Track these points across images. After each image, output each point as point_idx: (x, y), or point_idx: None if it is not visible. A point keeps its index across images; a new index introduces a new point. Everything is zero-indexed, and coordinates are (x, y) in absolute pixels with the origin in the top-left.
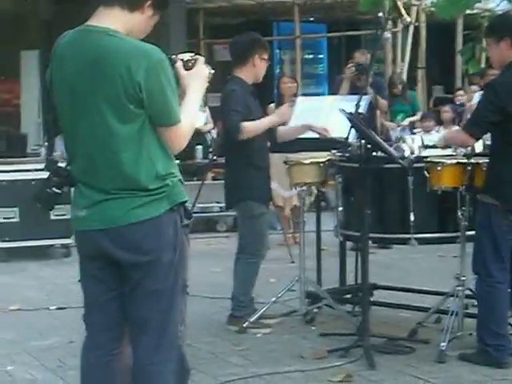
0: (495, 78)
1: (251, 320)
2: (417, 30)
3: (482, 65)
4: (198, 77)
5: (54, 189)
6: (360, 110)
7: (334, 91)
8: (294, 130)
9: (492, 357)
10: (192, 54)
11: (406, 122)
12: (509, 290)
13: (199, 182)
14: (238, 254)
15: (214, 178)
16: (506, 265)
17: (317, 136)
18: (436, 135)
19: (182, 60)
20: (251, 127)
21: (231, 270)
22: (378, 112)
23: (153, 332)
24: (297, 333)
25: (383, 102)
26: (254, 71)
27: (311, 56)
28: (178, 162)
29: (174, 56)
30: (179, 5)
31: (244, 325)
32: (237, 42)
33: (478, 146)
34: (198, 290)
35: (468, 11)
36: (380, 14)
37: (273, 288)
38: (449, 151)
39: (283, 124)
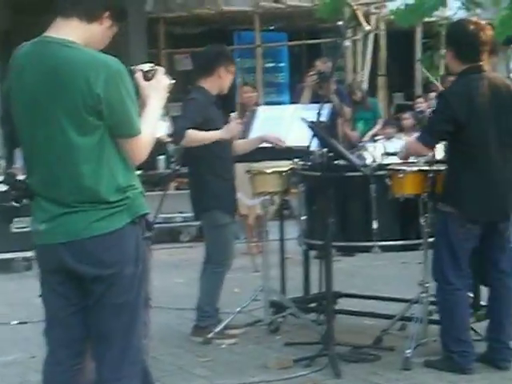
0: (448, 88)
1: (216, 331)
2: (376, 37)
3: (441, 72)
4: (158, 87)
5: (12, 202)
6: (321, 119)
7: (295, 100)
8: (249, 143)
9: (456, 363)
10: (151, 65)
11: (368, 136)
12: (470, 295)
13: (162, 193)
14: (204, 264)
15: (176, 188)
16: (464, 272)
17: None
18: (397, 142)
19: (141, 71)
20: (194, 136)
21: (194, 281)
22: (341, 120)
23: (116, 346)
24: (262, 343)
25: (347, 110)
26: (219, 83)
27: (272, 65)
28: (139, 172)
29: (133, 67)
30: (139, 14)
31: (208, 336)
32: (203, 53)
33: (440, 153)
34: (162, 301)
35: (426, 19)
36: (340, 23)
37: (237, 298)
38: (410, 158)
39: (243, 137)
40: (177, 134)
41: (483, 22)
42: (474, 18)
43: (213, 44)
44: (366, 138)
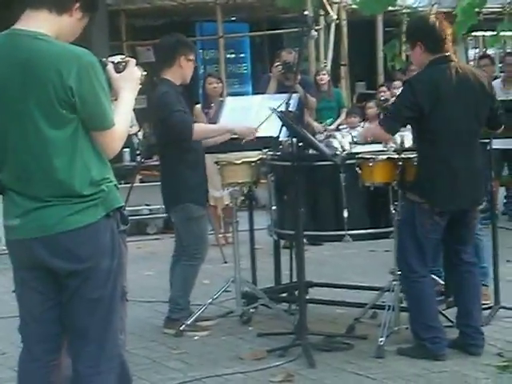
0: (414, 75)
1: (188, 323)
2: (338, 27)
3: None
4: (131, 79)
5: None
6: (290, 108)
7: (260, 90)
8: (219, 136)
9: (429, 350)
10: (123, 57)
11: (334, 125)
12: (441, 282)
13: (128, 185)
14: (175, 256)
15: (141, 181)
16: (427, 260)
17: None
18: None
19: (112, 63)
20: (204, 130)
21: (164, 273)
22: (306, 110)
23: (93, 341)
24: (234, 334)
25: (312, 100)
26: (180, 72)
27: (234, 55)
28: None
29: (104, 59)
30: (100, 7)
31: (181, 328)
32: (162, 44)
33: (408, 141)
34: (131, 294)
35: (388, 8)
36: (306, 12)
37: (207, 289)
38: (379, 147)
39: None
40: (185, 129)
41: (440, 15)
42: (434, 10)
43: (169, 34)
44: (332, 127)
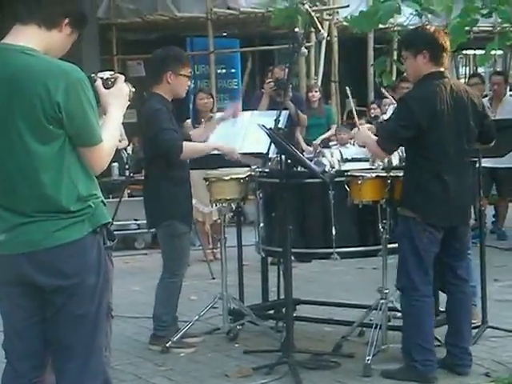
0: (408, 92)
1: (174, 339)
2: (329, 44)
3: (394, 78)
4: (119, 95)
5: None
6: (279, 125)
7: (252, 107)
8: (200, 149)
9: (419, 372)
10: (111, 72)
11: (318, 140)
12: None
13: (116, 200)
14: (162, 273)
15: (130, 195)
16: (430, 278)
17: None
18: (352, 148)
19: (101, 78)
20: (191, 148)
21: (151, 289)
22: (298, 127)
23: (77, 358)
24: (220, 351)
25: (303, 117)
26: (170, 88)
27: (225, 71)
28: None
29: (93, 74)
30: (91, 21)
31: (167, 345)
32: (151, 59)
33: (395, 159)
34: (118, 309)
35: (380, 26)
36: (297, 29)
37: (194, 306)
38: (367, 165)
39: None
40: (174, 147)
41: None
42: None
43: (161, 48)
44: (317, 141)
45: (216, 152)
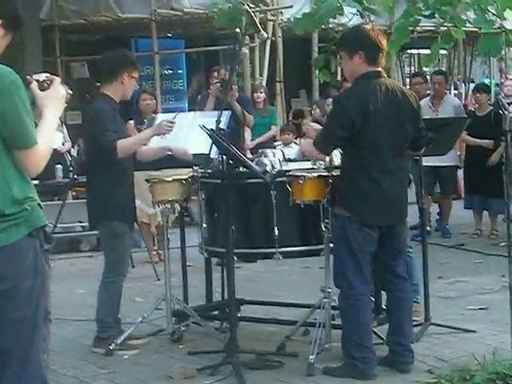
0: (342, 92)
1: (118, 342)
2: (274, 44)
3: (339, 77)
4: (55, 97)
5: None
6: (221, 126)
7: (198, 107)
8: (154, 151)
9: (358, 369)
10: (47, 75)
11: (255, 142)
12: (372, 299)
13: (60, 202)
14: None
15: (75, 197)
16: (366, 277)
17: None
18: (296, 148)
19: (37, 81)
20: (127, 145)
21: (96, 291)
22: (244, 128)
23: (15, 362)
24: (165, 352)
25: (249, 117)
26: (122, 89)
27: (170, 72)
28: (37, 182)
29: (28, 77)
30: (33, 22)
31: (110, 347)
32: (106, 59)
33: (337, 159)
34: (62, 312)
35: (323, 26)
36: (237, 30)
37: (139, 307)
38: (309, 164)
39: (144, 144)
40: (110, 150)
41: (376, 27)
42: (370, 25)
43: (115, 49)
44: (252, 144)
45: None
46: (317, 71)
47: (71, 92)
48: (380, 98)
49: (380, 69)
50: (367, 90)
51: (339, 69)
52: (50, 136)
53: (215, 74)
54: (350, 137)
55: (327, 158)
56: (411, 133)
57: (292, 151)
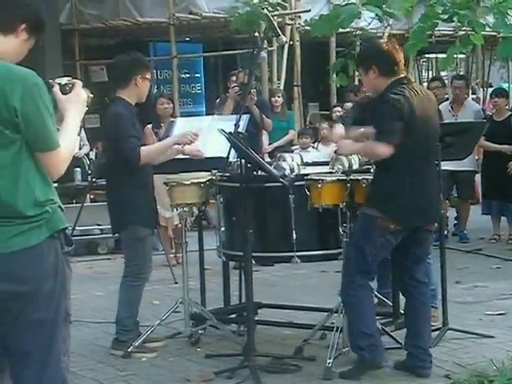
0: (388, 94)
1: (136, 344)
2: (291, 48)
3: (356, 82)
4: (77, 101)
5: None
6: (240, 130)
7: (216, 111)
8: (167, 154)
9: (367, 361)
10: (69, 78)
11: (272, 147)
12: (389, 303)
13: (78, 205)
14: (123, 277)
15: (93, 200)
16: (370, 275)
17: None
18: (313, 152)
19: (59, 84)
20: (149, 153)
21: (114, 293)
22: (263, 132)
23: (35, 364)
24: (182, 355)
25: (268, 121)
26: (136, 92)
27: (188, 75)
28: (55, 185)
29: (51, 80)
30: (53, 26)
31: (129, 349)
32: (117, 63)
33: (355, 163)
34: (81, 314)
35: (341, 30)
36: (256, 34)
37: (157, 310)
38: (327, 169)
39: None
40: (134, 156)
41: (392, 39)
42: (386, 32)
43: (125, 53)
44: (269, 148)
45: (179, 156)
46: (334, 75)
47: (92, 95)
48: (417, 100)
49: (404, 75)
50: (406, 92)
51: (357, 73)
52: (72, 139)
53: (233, 77)
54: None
55: (345, 162)
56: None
57: (310, 155)
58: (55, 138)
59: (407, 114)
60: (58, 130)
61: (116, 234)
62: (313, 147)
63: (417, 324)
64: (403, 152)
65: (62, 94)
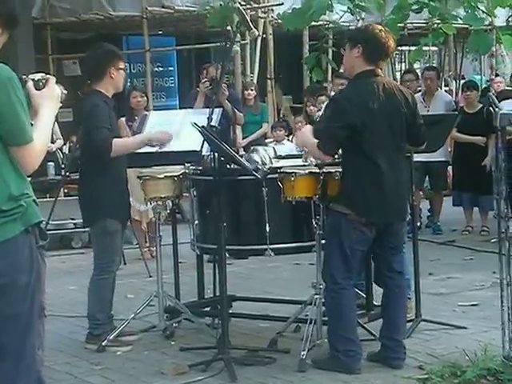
0: (340, 92)
1: (110, 338)
2: (264, 41)
3: (329, 75)
4: (50, 96)
5: None
6: (212, 123)
7: (188, 105)
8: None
9: (342, 362)
10: (43, 74)
11: (246, 141)
12: (363, 295)
13: (52, 199)
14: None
15: (66, 195)
16: (351, 273)
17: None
18: (288, 144)
19: (33, 80)
20: (121, 146)
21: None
22: (234, 126)
23: (9, 358)
24: (157, 349)
25: (240, 115)
26: (112, 83)
27: (161, 69)
28: (29, 179)
29: (24, 76)
30: (26, 20)
31: (103, 343)
32: (90, 57)
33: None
34: (54, 308)
35: (313, 23)
36: (228, 28)
37: (131, 304)
38: (300, 161)
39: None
40: (103, 147)
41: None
42: (359, 25)
43: (95, 47)
44: (244, 142)
45: (148, 149)
46: (308, 69)
47: (66, 91)
48: (379, 97)
49: (376, 68)
50: (366, 89)
51: (330, 66)
52: (45, 133)
53: (204, 72)
54: (350, 135)
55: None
56: (409, 130)
57: (285, 148)
58: (29, 132)
59: (362, 112)
60: (32, 124)
61: (86, 228)
62: (288, 140)
63: (393, 316)
64: (364, 149)
65: (36, 89)
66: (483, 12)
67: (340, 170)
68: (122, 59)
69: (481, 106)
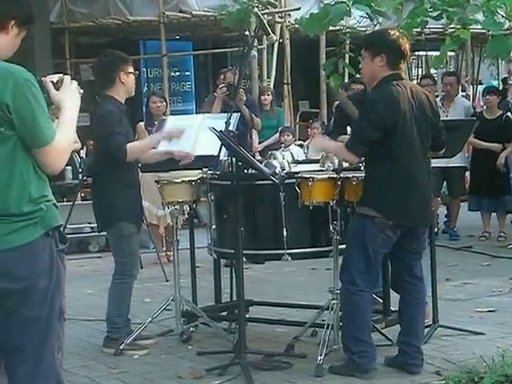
0: (371, 95)
1: (127, 342)
2: (281, 46)
3: (346, 80)
4: (70, 91)
5: None
6: (230, 128)
7: (205, 110)
8: (155, 155)
9: (357, 364)
10: (61, 75)
11: (262, 146)
12: (380, 300)
13: (69, 203)
14: (113, 275)
15: (83, 199)
16: (371, 276)
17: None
18: (295, 149)
19: (51, 82)
20: (136, 148)
21: (105, 291)
22: (252, 131)
23: (29, 361)
24: (174, 353)
25: (257, 120)
26: (124, 88)
27: (178, 74)
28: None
29: (43, 78)
30: (43, 25)
31: (120, 347)
32: (99, 64)
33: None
34: (72, 312)
35: (331, 28)
36: (246, 33)
37: (148, 308)
38: (318, 166)
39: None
40: (120, 153)
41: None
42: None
43: (103, 54)
44: (260, 147)
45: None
46: (326, 76)
47: (82, 90)
48: (408, 99)
49: (400, 71)
50: (395, 91)
51: (346, 70)
52: (69, 130)
53: (221, 76)
54: (381, 138)
55: (336, 160)
56: (433, 133)
57: (291, 153)
58: (49, 133)
59: (394, 114)
60: (54, 120)
61: (102, 232)
62: (295, 145)
63: (412, 321)
64: (395, 152)
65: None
66: (502, 17)
67: (357, 174)
68: (129, 63)
69: (500, 112)
